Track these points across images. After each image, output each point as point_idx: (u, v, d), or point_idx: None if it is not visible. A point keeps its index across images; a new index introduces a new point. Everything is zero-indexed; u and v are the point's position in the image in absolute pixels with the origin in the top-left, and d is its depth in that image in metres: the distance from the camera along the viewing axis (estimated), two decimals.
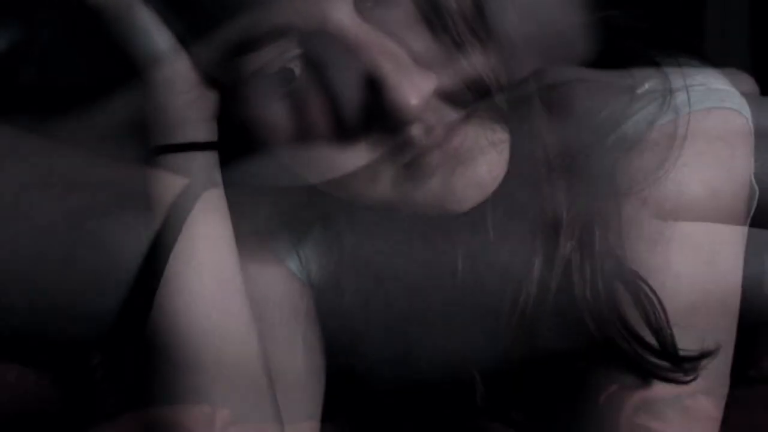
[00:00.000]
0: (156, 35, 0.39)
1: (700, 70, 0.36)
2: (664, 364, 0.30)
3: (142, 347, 0.32)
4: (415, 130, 0.60)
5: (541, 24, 0.62)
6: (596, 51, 0.67)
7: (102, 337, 0.34)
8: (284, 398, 0.33)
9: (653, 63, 0.37)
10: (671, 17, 0.66)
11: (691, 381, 0.31)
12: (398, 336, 0.33)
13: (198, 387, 0.33)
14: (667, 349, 0.30)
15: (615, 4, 0.64)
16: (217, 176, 0.38)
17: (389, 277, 0.32)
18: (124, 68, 0.44)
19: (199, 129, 0.40)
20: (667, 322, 0.30)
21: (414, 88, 0.60)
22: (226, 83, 0.50)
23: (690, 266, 0.31)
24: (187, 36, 0.40)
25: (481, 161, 0.34)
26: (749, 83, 0.37)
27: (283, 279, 0.32)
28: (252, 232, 0.35)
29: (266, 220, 0.36)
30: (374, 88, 0.60)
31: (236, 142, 0.57)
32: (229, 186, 0.39)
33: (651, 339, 0.30)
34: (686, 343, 0.31)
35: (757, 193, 0.32)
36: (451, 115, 0.62)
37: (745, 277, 0.33)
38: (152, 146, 0.37)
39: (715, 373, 0.34)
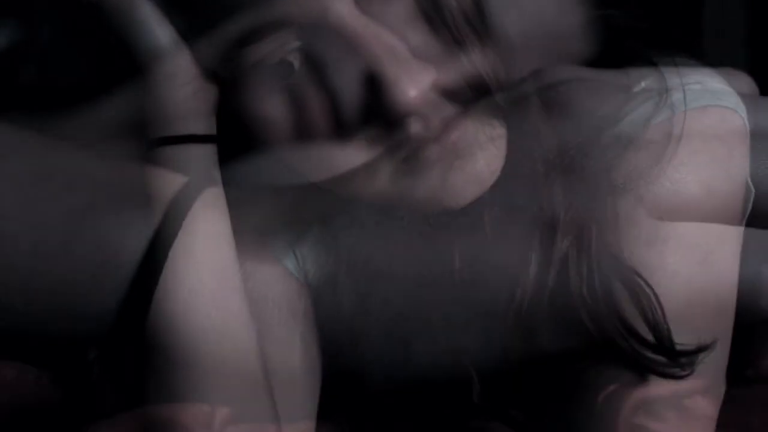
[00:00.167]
0: (157, 29, 0.39)
1: (696, 69, 0.36)
2: (661, 359, 0.30)
3: (141, 345, 0.32)
4: (413, 124, 0.60)
5: (541, 23, 0.62)
6: (594, 50, 0.67)
7: (101, 334, 0.34)
8: (281, 397, 0.33)
9: (650, 62, 0.37)
10: (669, 17, 0.66)
11: (687, 376, 0.31)
12: (397, 335, 0.33)
13: (197, 385, 0.33)
14: (663, 344, 0.30)
15: (613, 4, 0.64)
16: (216, 174, 0.38)
17: (387, 276, 0.32)
18: (125, 65, 0.44)
19: (198, 122, 0.40)
20: (664, 317, 0.30)
21: (412, 81, 0.60)
22: (226, 76, 0.50)
23: (686, 265, 0.31)
24: (188, 29, 0.40)
25: (479, 156, 0.34)
26: (749, 83, 0.37)
27: (281, 278, 0.32)
28: (250, 231, 0.35)
29: (264, 218, 0.36)
30: (373, 81, 0.60)
31: (236, 140, 0.57)
32: (228, 184, 0.39)
33: (648, 335, 0.30)
34: (683, 339, 0.31)
35: (753, 193, 0.32)
36: (450, 110, 0.62)
37: (742, 278, 0.33)
38: (151, 138, 0.37)
39: (713, 373, 0.34)
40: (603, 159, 0.32)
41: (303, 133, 0.59)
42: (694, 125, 0.33)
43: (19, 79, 0.45)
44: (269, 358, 0.33)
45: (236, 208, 0.36)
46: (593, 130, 0.34)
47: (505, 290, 0.32)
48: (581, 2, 0.63)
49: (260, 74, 0.58)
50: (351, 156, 0.52)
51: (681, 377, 0.31)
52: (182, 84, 0.40)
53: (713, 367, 0.33)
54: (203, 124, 0.40)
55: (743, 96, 0.35)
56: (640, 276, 0.29)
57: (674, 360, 0.30)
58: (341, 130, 0.59)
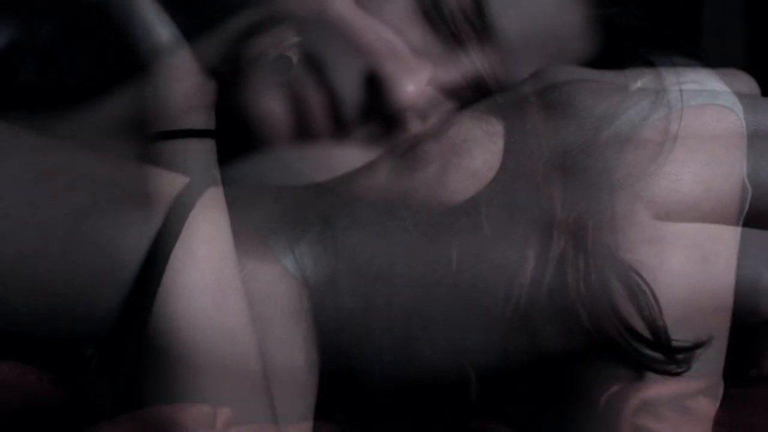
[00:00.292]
0: (158, 26, 0.39)
1: (693, 69, 0.36)
2: (658, 356, 0.30)
3: (142, 345, 0.32)
4: (411, 119, 0.60)
5: (541, 23, 0.62)
6: (593, 50, 0.67)
7: (103, 335, 0.33)
8: (279, 397, 0.33)
9: (648, 62, 0.37)
10: (668, 17, 0.66)
11: (683, 372, 0.31)
12: (398, 335, 0.33)
13: (198, 386, 0.33)
14: (660, 341, 0.30)
15: (612, 3, 0.64)
16: (216, 171, 0.38)
17: (389, 276, 0.32)
18: (125, 64, 0.44)
19: (197, 117, 0.40)
20: (660, 313, 0.30)
21: (410, 76, 0.60)
22: (225, 72, 0.50)
23: (683, 263, 0.31)
24: (188, 25, 0.40)
25: (476, 152, 0.34)
26: (750, 84, 0.37)
27: (281, 277, 0.32)
28: (250, 230, 0.35)
29: (265, 218, 0.36)
30: (371, 78, 0.60)
31: (236, 140, 0.57)
32: (228, 183, 0.39)
33: (644, 331, 0.30)
34: (680, 337, 0.31)
35: (750, 192, 0.32)
36: (447, 107, 0.62)
37: (743, 277, 0.32)
38: (150, 133, 0.37)
39: (713, 373, 0.34)
40: (600, 156, 0.32)
41: (303, 131, 0.59)
42: (690, 124, 0.33)
43: (19, 79, 0.45)
44: (269, 357, 0.33)
45: (237, 207, 0.36)
46: (590, 128, 0.34)
47: (504, 289, 0.32)
48: (581, 2, 0.63)
49: (259, 70, 0.58)
50: (351, 155, 0.52)
51: (677, 374, 0.31)
52: (182, 79, 0.40)
53: (713, 367, 0.33)
54: (203, 120, 0.40)
55: (744, 96, 0.35)
56: (637, 273, 0.29)
57: (671, 357, 0.30)
58: (341, 128, 0.59)
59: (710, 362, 0.33)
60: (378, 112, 0.58)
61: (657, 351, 0.30)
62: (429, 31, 0.62)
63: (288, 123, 0.59)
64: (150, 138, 0.37)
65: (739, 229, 0.32)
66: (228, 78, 0.56)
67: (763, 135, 0.33)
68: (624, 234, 0.31)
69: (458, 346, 0.32)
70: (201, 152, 0.37)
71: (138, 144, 0.48)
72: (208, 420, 0.31)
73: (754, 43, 0.62)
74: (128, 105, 0.55)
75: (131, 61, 0.42)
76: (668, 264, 0.31)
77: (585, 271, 0.30)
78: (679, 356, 0.30)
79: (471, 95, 0.63)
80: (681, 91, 0.33)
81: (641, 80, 0.35)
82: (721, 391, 0.34)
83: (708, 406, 0.34)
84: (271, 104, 0.59)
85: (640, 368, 0.32)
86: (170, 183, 0.36)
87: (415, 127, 0.59)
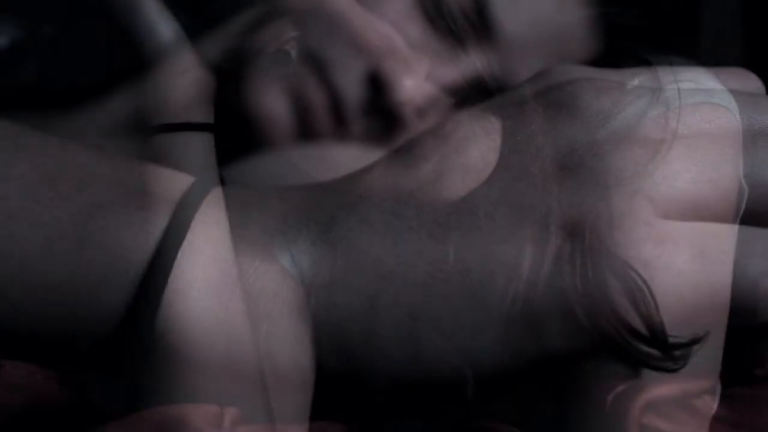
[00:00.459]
0: (161, 24, 0.39)
1: (690, 68, 0.36)
2: (655, 352, 0.30)
3: (150, 345, 0.32)
4: (408, 113, 0.60)
5: (542, 22, 0.62)
6: (594, 50, 0.67)
7: (111, 335, 0.33)
8: (278, 398, 0.33)
9: (645, 61, 0.37)
10: (666, 16, 0.66)
11: (679, 369, 0.31)
12: (405, 334, 0.33)
13: (205, 386, 0.33)
14: (656, 337, 0.30)
15: (610, 3, 0.64)
16: (214, 164, 0.38)
17: (397, 276, 0.32)
18: (127, 63, 0.44)
19: (196, 112, 0.40)
20: (657, 310, 0.30)
21: (407, 70, 0.60)
22: (226, 67, 0.50)
23: (688, 261, 0.31)
24: (190, 22, 0.40)
25: (474, 148, 0.34)
26: (756, 82, 0.37)
27: (283, 276, 0.32)
28: (253, 229, 0.35)
29: (267, 217, 0.36)
30: (370, 72, 0.60)
31: (238, 138, 0.57)
32: (231, 183, 0.39)
33: (641, 328, 0.30)
34: (678, 334, 0.31)
35: (747, 192, 0.32)
36: (445, 103, 0.62)
37: (748, 276, 0.33)
38: (150, 126, 0.37)
39: (715, 373, 0.34)
40: (597, 154, 0.33)
41: (304, 130, 0.59)
42: (687, 122, 0.33)
43: (21, 78, 0.45)
44: (270, 357, 0.33)
45: (240, 207, 0.36)
46: (600, 128, 0.34)
47: (510, 288, 0.32)
48: (582, 2, 0.63)
49: (260, 67, 0.58)
50: (353, 154, 0.52)
51: (674, 370, 0.31)
52: (183, 74, 0.40)
53: (714, 366, 0.34)
54: (201, 113, 0.40)
55: (742, 94, 0.35)
56: (633, 269, 0.30)
57: (668, 353, 0.30)
58: (342, 126, 0.59)
59: (714, 360, 0.33)
60: (378, 109, 0.58)
61: (653, 347, 0.30)
62: (428, 30, 0.63)
63: (289, 122, 0.60)
64: (150, 131, 0.37)
65: (736, 228, 0.32)
66: (229, 75, 0.56)
67: (760, 133, 0.33)
68: (628, 233, 0.31)
69: (464, 346, 0.32)
70: (201, 147, 0.38)
71: (140, 143, 0.48)
72: (217, 420, 0.31)
73: (752, 42, 0.62)
74: (130, 105, 0.55)
75: (134, 60, 0.42)
76: (674, 263, 0.31)
77: (581, 267, 0.30)
78: (676, 353, 0.31)
79: (471, 95, 0.63)
80: (678, 89, 0.33)
81: (638, 79, 0.36)
82: (719, 389, 0.34)
83: (713, 405, 0.34)
84: (272, 103, 0.59)
85: (637, 365, 0.32)
86: (176, 182, 0.36)
87: (411, 120, 0.59)
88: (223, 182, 0.48)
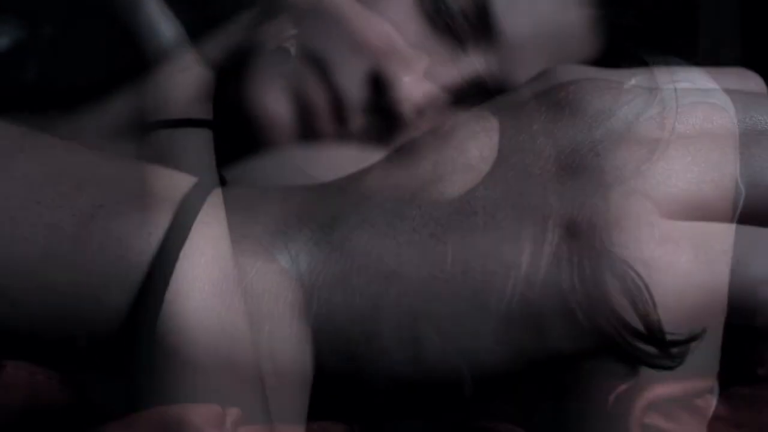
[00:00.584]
0: (162, 23, 0.39)
1: (687, 68, 0.36)
2: (652, 350, 0.30)
3: (151, 345, 0.32)
4: (409, 112, 0.60)
5: (543, 23, 0.62)
6: (594, 50, 0.67)
7: (112, 336, 0.33)
8: (276, 398, 0.33)
9: (642, 62, 0.37)
10: (665, 16, 0.66)
11: (677, 366, 0.31)
12: (406, 335, 0.33)
13: (206, 386, 0.33)
14: (654, 334, 0.30)
15: (610, 3, 0.64)
16: (213, 162, 0.38)
17: (399, 276, 0.32)
18: (128, 63, 0.44)
19: (197, 109, 0.40)
20: (654, 307, 0.30)
21: (405, 67, 0.60)
22: (227, 66, 0.50)
23: (681, 260, 0.31)
24: (191, 21, 0.40)
25: (472, 146, 0.34)
26: (757, 82, 0.37)
27: (284, 277, 0.32)
28: (255, 229, 0.35)
29: (269, 217, 0.36)
30: (370, 71, 0.60)
31: (240, 138, 0.57)
32: (233, 183, 0.39)
33: (638, 325, 0.30)
34: (676, 332, 0.31)
35: (743, 192, 0.32)
36: (444, 102, 0.62)
37: (751, 277, 0.33)
38: (150, 123, 0.37)
39: (715, 372, 0.34)
40: (594, 153, 0.33)
41: (306, 130, 0.59)
42: (686, 121, 0.33)
43: (23, 79, 0.45)
44: (270, 357, 0.33)
45: (242, 207, 0.36)
46: (602, 128, 0.34)
47: (512, 289, 0.32)
48: (583, 2, 0.63)
49: (260, 64, 0.58)
50: (355, 154, 0.52)
51: (671, 368, 0.31)
52: (183, 72, 0.41)
53: (714, 365, 0.34)
54: (202, 112, 0.40)
55: (744, 94, 0.35)
56: (630, 267, 0.30)
57: (665, 351, 0.30)
58: (344, 126, 0.59)
59: (713, 360, 0.33)
60: (379, 109, 0.58)
61: (651, 345, 0.30)
62: (428, 30, 0.63)
63: (290, 121, 0.60)
64: (150, 128, 0.37)
65: (733, 227, 0.32)
66: (230, 75, 0.56)
67: (756, 133, 0.33)
68: (630, 233, 0.31)
69: (465, 346, 0.32)
70: (201, 144, 0.38)
71: (141, 142, 0.48)
72: (218, 420, 0.31)
73: (752, 42, 0.62)
74: (131, 105, 0.55)
75: (135, 60, 0.42)
76: (676, 263, 0.31)
77: (579, 265, 0.30)
78: (674, 350, 0.31)
79: (471, 95, 0.63)
80: (675, 89, 0.33)
81: (634, 78, 0.36)
82: (717, 389, 0.34)
83: (713, 404, 0.34)
84: (273, 103, 0.59)
85: (635, 363, 0.32)
86: (177, 183, 0.36)
87: (409, 117, 0.59)
88: (224, 182, 0.48)
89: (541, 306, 0.32)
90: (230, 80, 0.57)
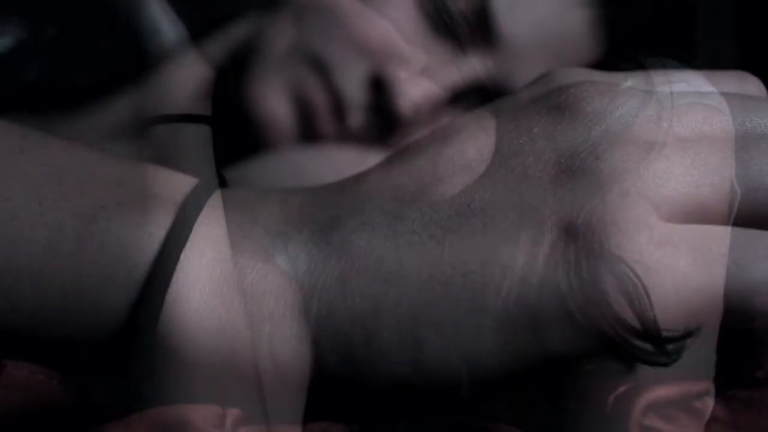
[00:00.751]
0: (164, 24, 0.39)
1: (683, 71, 0.36)
2: (648, 347, 0.30)
3: (152, 346, 0.32)
4: (406, 110, 0.60)
5: (545, 25, 0.62)
6: (593, 52, 0.67)
7: (113, 336, 0.34)
8: (274, 398, 0.33)
9: (638, 64, 0.37)
10: (664, 19, 0.66)
11: (672, 363, 0.31)
12: (406, 337, 0.33)
13: (207, 386, 0.33)
14: (650, 331, 0.30)
15: (609, 6, 0.64)
16: (212, 160, 0.38)
17: (399, 278, 0.33)
18: (129, 64, 0.44)
19: (198, 108, 0.40)
20: (651, 304, 0.30)
21: (405, 67, 0.60)
22: (227, 66, 0.50)
23: (681, 262, 0.31)
24: (193, 22, 0.40)
25: (474, 150, 0.34)
26: (757, 85, 0.37)
27: (280, 278, 0.33)
28: (256, 231, 0.35)
29: (269, 218, 0.36)
30: (370, 71, 0.60)
31: (241, 140, 0.57)
32: (234, 184, 0.39)
33: (634, 322, 0.30)
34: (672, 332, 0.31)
35: (739, 194, 0.32)
36: (445, 104, 0.63)
37: (752, 279, 0.33)
38: (150, 119, 0.37)
39: (711, 374, 0.34)
40: (590, 154, 0.33)
41: (307, 131, 0.60)
42: (682, 124, 0.33)
43: (24, 79, 0.45)
44: (269, 359, 0.33)
45: (243, 208, 0.36)
46: (602, 131, 0.34)
47: (512, 291, 0.32)
48: (583, 4, 0.64)
49: (260, 65, 0.58)
50: (353, 154, 0.52)
51: (667, 364, 0.31)
52: (184, 72, 0.41)
53: (710, 367, 0.34)
54: (201, 110, 0.40)
55: (740, 96, 0.35)
56: (627, 265, 0.30)
57: (660, 347, 0.31)
58: (343, 127, 0.59)
59: (711, 362, 0.34)
60: (379, 110, 0.58)
61: (646, 341, 0.30)
62: (429, 31, 0.63)
63: (291, 122, 0.60)
64: (150, 124, 0.37)
65: (729, 230, 0.32)
66: (231, 76, 0.56)
67: (755, 136, 0.34)
68: (630, 236, 0.31)
69: (465, 348, 0.32)
70: (201, 143, 0.38)
71: (141, 142, 0.48)
72: (218, 420, 0.31)
73: (750, 45, 0.63)
74: (132, 105, 0.55)
75: (136, 60, 0.42)
76: (676, 266, 0.31)
77: (575, 264, 0.30)
78: (670, 347, 0.31)
79: (471, 97, 0.63)
80: (671, 91, 0.34)
81: (630, 80, 0.36)
82: (713, 391, 0.34)
83: (710, 407, 0.34)
84: (273, 104, 0.59)
85: (631, 360, 0.32)
86: (178, 184, 0.36)
87: (406, 113, 0.59)
88: (224, 183, 0.48)
89: (540, 308, 0.32)
90: (230, 80, 0.57)
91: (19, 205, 0.34)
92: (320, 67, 0.59)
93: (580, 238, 0.31)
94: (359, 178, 0.37)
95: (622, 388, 0.33)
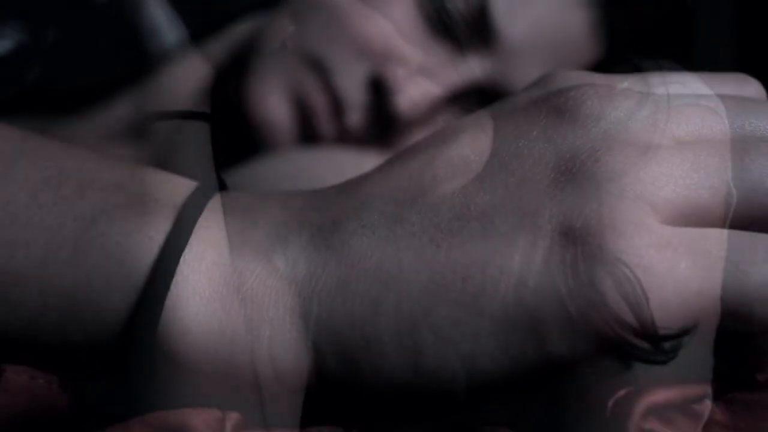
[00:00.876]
0: (166, 25, 0.39)
1: (680, 74, 0.36)
2: (645, 345, 0.30)
3: (152, 350, 0.32)
4: (406, 111, 0.61)
5: (545, 27, 0.62)
6: (592, 55, 0.67)
7: (112, 340, 0.34)
8: (273, 402, 0.33)
9: (636, 66, 0.37)
10: (662, 22, 0.66)
11: (669, 361, 0.31)
12: (406, 340, 0.33)
13: (207, 391, 0.33)
14: (646, 329, 0.30)
15: (608, 8, 0.64)
16: (210, 158, 0.38)
17: (399, 282, 0.33)
18: (130, 66, 0.44)
19: (195, 104, 0.40)
20: (647, 302, 0.30)
21: (405, 68, 0.60)
22: (227, 67, 0.50)
23: (681, 265, 0.31)
24: (192, 22, 0.40)
25: (466, 143, 0.34)
26: (756, 88, 0.37)
27: (280, 281, 0.33)
28: (256, 234, 0.35)
29: (269, 221, 0.36)
30: (370, 73, 0.60)
31: (242, 142, 0.57)
32: (234, 187, 0.39)
33: (631, 320, 0.30)
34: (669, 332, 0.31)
35: (735, 197, 0.32)
36: (445, 106, 0.62)
37: (749, 281, 0.33)
38: (150, 116, 0.37)
39: (710, 377, 0.34)
40: (588, 154, 0.33)
41: (306, 133, 0.59)
42: (677, 125, 0.33)
43: (24, 81, 0.45)
44: (269, 362, 0.33)
45: (243, 211, 0.36)
46: (603, 134, 0.34)
47: (506, 293, 0.32)
48: (583, 7, 0.64)
49: (260, 67, 0.58)
50: (354, 156, 0.52)
51: (664, 362, 0.31)
52: (184, 73, 0.41)
53: (709, 370, 0.34)
54: (200, 107, 0.40)
55: (738, 99, 0.35)
56: (624, 264, 0.30)
57: (657, 345, 0.31)
58: (343, 129, 0.59)
59: (709, 364, 0.34)
60: (379, 112, 0.58)
61: (643, 339, 0.30)
62: (429, 33, 0.63)
63: (291, 124, 0.60)
64: (150, 121, 0.37)
65: (726, 232, 0.32)
66: (231, 77, 0.56)
67: (755, 139, 0.34)
68: (630, 239, 0.31)
69: (465, 351, 0.32)
70: (200, 146, 0.38)
71: (142, 143, 0.48)
72: (218, 425, 0.31)
73: (747, 47, 0.63)
74: (133, 108, 0.55)
75: (137, 62, 0.42)
76: (676, 268, 0.31)
77: (572, 263, 0.30)
78: (666, 345, 0.31)
79: (471, 99, 0.63)
80: (667, 92, 0.34)
81: (627, 81, 0.36)
82: (711, 394, 0.34)
83: (709, 409, 0.34)
84: (273, 106, 0.59)
85: (628, 359, 0.32)
86: (178, 187, 0.36)
87: (403, 110, 0.59)
88: (224, 186, 0.48)
89: (539, 310, 0.32)
90: (230, 82, 0.57)
91: (19, 208, 0.34)
92: (320, 68, 0.59)
93: (579, 241, 0.31)
94: (359, 181, 0.37)
95: (621, 392, 0.33)
